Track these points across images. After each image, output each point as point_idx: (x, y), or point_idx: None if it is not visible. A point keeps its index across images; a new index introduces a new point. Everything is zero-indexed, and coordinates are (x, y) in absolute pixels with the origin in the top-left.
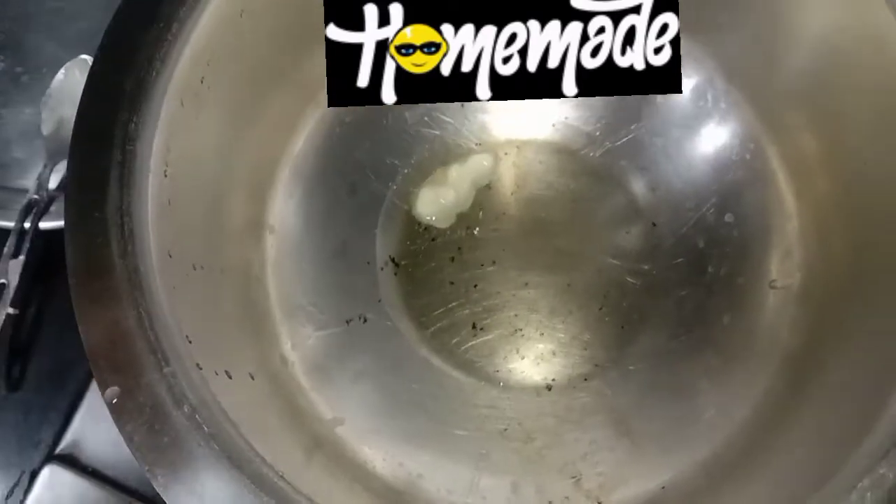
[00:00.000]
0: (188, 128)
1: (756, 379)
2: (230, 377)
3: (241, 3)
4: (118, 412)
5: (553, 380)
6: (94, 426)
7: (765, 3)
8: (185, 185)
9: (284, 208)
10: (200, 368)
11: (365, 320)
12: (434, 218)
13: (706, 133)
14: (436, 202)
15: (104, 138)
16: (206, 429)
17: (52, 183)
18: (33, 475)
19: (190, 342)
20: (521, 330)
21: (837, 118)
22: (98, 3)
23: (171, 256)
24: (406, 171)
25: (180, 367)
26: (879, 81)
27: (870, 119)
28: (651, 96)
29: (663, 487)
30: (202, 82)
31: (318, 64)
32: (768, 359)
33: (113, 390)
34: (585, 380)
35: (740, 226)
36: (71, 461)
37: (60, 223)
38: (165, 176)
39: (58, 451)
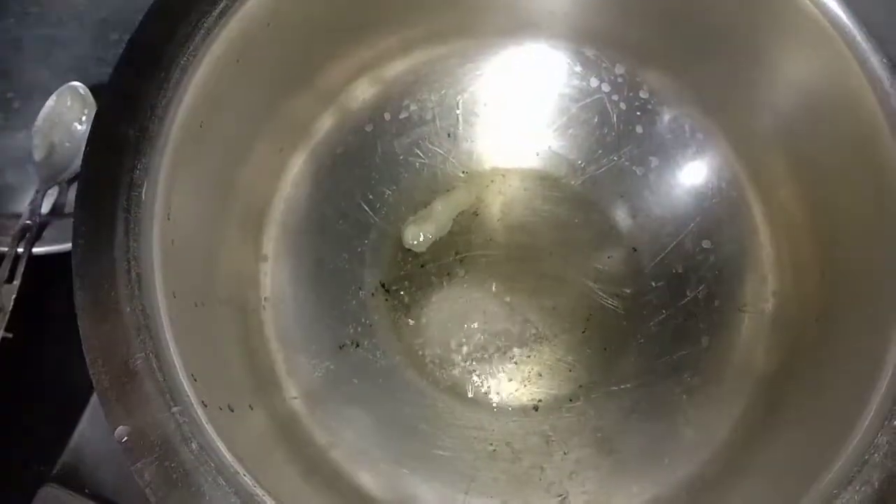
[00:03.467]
0: (188, 170)
1: (734, 399)
2: (232, 410)
3: (238, 50)
4: (128, 449)
5: (539, 401)
6: (91, 447)
7: (745, 44)
8: (186, 225)
9: (278, 238)
10: (206, 406)
11: (357, 346)
12: (415, 243)
13: (684, 163)
14: (417, 236)
15: (110, 186)
16: (212, 464)
17: (45, 208)
18: (30, 496)
19: (195, 380)
20: (508, 352)
21: (810, 155)
22: (89, 30)
23: (175, 296)
24: (395, 199)
25: (187, 406)
26: (849, 127)
27: (840, 161)
28: (631, 126)
29: None
30: (201, 126)
31: (309, 100)
32: (745, 380)
33: (123, 429)
34: (570, 400)
35: (717, 251)
36: (68, 482)
37: (53, 248)
38: (168, 219)
39: (55, 472)
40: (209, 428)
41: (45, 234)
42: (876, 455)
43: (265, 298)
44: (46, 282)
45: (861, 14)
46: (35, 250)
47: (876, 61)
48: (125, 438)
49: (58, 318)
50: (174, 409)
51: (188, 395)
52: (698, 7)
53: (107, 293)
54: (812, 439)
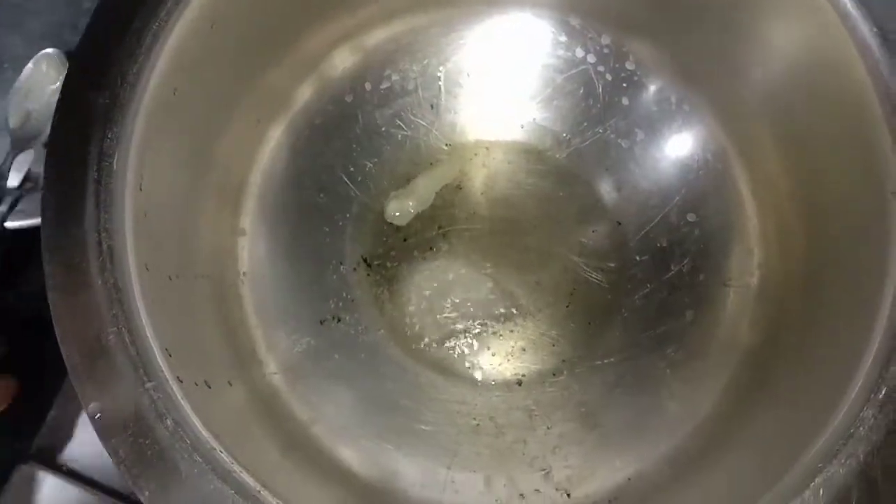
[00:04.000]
0: (161, 139)
1: (718, 373)
2: (209, 387)
3: (212, 14)
4: (102, 427)
5: (523, 375)
6: (68, 424)
7: (731, 13)
8: (159, 197)
9: (256, 212)
10: (181, 381)
11: (338, 321)
12: (397, 215)
13: (670, 135)
14: (399, 210)
15: (79, 156)
16: (188, 441)
17: (13, 179)
18: (7, 475)
19: (170, 355)
20: (491, 327)
21: (797, 127)
22: None
23: (148, 269)
24: (377, 171)
25: (161, 381)
26: (837, 97)
27: (828, 132)
28: (617, 98)
29: (629, 479)
30: (175, 94)
31: (287, 69)
32: (730, 354)
33: (96, 405)
34: (554, 375)
35: (702, 225)
36: (45, 460)
37: (28, 222)
38: (140, 189)
39: (31, 450)
40: (184, 404)
41: (20, 206)
42: (861, 428)
43: (243, 273)
44: (23, 256)
45: None
46: (9, 224)
47: (865, 29)
48: (98, 415)
49: (35, 293)
50: (148, 385)
51: (162, 371)
52: None
53: (77, 266)
54: (797, 413)
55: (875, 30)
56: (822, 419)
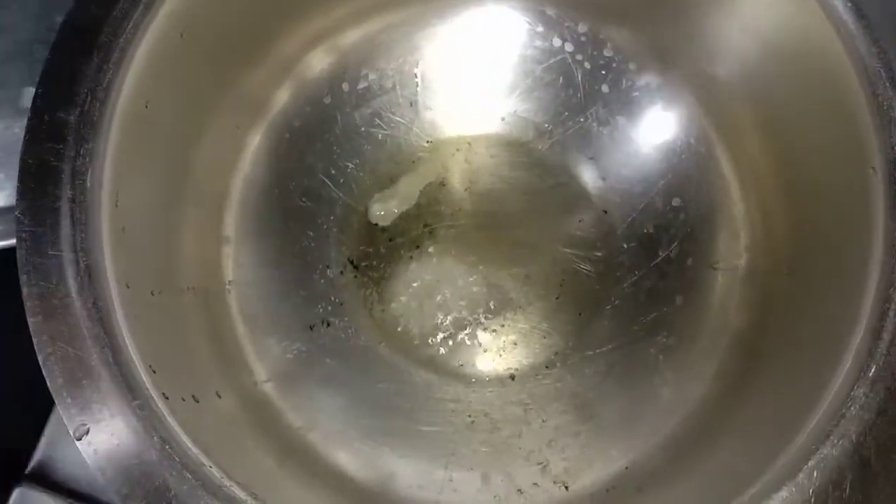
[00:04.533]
0: (136, 153)
1: (709, 357)
2: (197, 401)
3: (181, 24)
4: (88, 448)
5: (516, 369)
6: (64, 443)
7: None
8: (137, 212)
9: (239, 219)
10: (167, 398)
11: (328, 325)
12: (381, 214)
13: (651, 120)
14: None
15: (52, 175)
16: (177, 458)
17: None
18: (5, 498)
19: (154, 372)
20: (482, 323)
21: (777, 108)
22: (32, 13)
23: (128, 286)
24: (359, 172)
25: (147, 399)
26: (815, 76)
27: (808, 109)
28: (596, 86)
29: (627, 467)
30: (147, 106)
31: (263, 73)
32: (720, 337)
33: (82, 427)
34: (547, 367)
35: (688, 209)
36: (42, 481)
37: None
38: (116, 206)
39: (28, 470)
40: (172, 420)
41: None
42: (853, 408)
43: (229, 282)
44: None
45: None
46: None
47: (839, 3)
48: (84, 437)
49: (16, 312)
50: (133, 404)
51: (147, 389)
52: None
53: (55, 288)
54: (788, 394)
55: (849, 4)
56: (813, 400)
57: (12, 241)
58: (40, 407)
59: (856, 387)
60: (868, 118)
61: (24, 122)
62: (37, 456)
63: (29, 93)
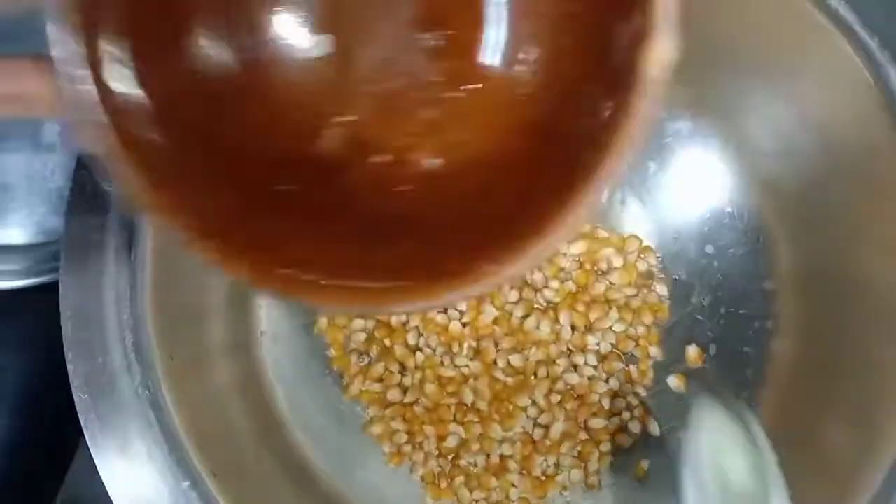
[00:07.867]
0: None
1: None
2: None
3: None
4: None
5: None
6: (89, 483)
7: (747, 57)
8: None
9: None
10: (215, 475)
11: None
12: None
13: (682, 167)
14: None
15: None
16: None
17: None
18: None
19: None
20: None
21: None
22: None
23: (172, 358)
24: None
25: (196, 478)
26: (858, 162)
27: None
28: None
29: None
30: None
31: None
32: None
33: None
34: None
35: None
36: None
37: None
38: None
39: None
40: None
41: None
42: None
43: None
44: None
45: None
46: None
47: None
48: None
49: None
50: (184, 485)
51: (196, 469)
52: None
53: (103, 365)
54: None
55: None
56: None
57: (41, 279)
58: (65, 447)
59: None
60: None
61: (44, 156)
62: (61, 496)
63: (49, 128)
